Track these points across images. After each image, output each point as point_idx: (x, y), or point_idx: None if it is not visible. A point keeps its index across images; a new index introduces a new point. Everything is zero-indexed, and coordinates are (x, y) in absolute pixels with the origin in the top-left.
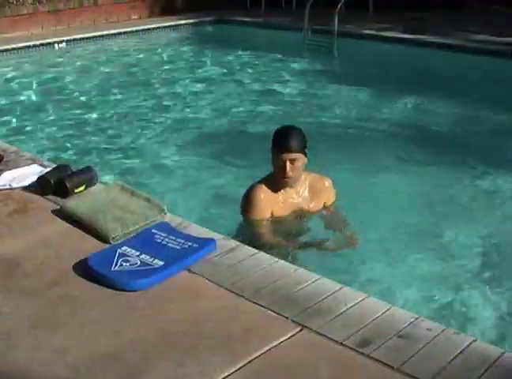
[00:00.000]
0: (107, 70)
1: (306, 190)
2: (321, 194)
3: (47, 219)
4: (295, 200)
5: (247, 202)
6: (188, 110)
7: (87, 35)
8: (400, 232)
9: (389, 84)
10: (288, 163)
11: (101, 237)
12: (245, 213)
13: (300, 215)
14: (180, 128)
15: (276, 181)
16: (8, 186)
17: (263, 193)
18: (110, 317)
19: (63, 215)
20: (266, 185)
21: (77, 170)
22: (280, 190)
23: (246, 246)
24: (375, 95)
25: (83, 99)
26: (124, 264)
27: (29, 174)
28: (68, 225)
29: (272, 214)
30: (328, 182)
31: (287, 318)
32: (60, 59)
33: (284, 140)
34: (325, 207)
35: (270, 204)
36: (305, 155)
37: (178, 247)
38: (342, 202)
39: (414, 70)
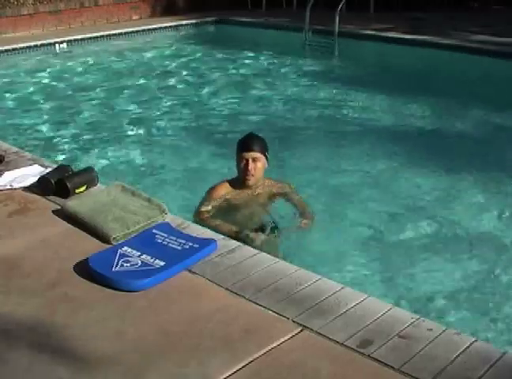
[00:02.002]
0: (107, 71)
1: (266, 192)
2: (279, 196)
3: (48, 220)
4: (254, 199)
5: (207, 195)
6: (188, 109)
7: (88, 35)
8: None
9: (390, 84)
10: (250, 161)
11: (102, 237)
12: (201, 204)
13: (257, 210)
14: (180, 128)
15: (240, 182)
16: (9, 186)
17: (224, 189)
18: (110, 317)
19: (64, 215)
20: (229, 184)
21: (78, 171)
22: (241, 189)
23: (246, 247)
24: (375, 95)
25: (83, 99)
26: (125, 264)
27: (30, 174)
28: (69, 225)
29: (228, 209)
30: (287, 187)
31: (287, 319)
32: (61, 59)
33: (247, 141)
34: (292, 202)
35: (228, 200)
36: (266, 158)
37: (178, 247)
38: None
39: (414, 70)
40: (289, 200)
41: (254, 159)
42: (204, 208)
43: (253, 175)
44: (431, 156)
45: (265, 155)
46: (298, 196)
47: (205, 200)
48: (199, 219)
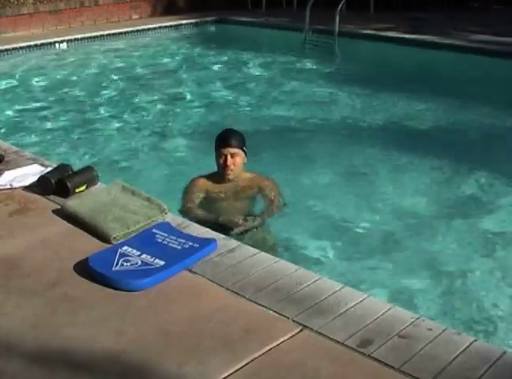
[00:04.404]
0: (107, 70)
1: (245, 186)
2: (257, 191)
3: (48, 219)
4: (233, 192)
5: (186, 188)
6: (188, 109)
7: (88, 34)
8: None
9: (390, 83)
10: (229, 157)
11: (102, 237)
12: (182, 198)
13: (237, 203)
14: (180, 127)
15: (219, 176)
16: (9, 186)
17: (201, 184)
18: (110, 317)
19: (64, 215)
20: (207, 179)
21: (78, 170)
22: (220, 183)
23: (246, 246)
24: (376, 95)
25: (83, 98)
26: (125, 263)
27: (30, 173)
28: (69, 225)
29: (209, 203)
30: (267, 182)
31: (288, 318)
32: (61, 59)
33: (225, 137)
34: (263, 195)
35: (206, 194)
36: (244, 153)
37: (178, 247)
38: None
39: (414, 70)
40: (263, 193)
41: (233, 155)
42: (189, 202)
43: (232, 170)
44: (431, 156)
45: (243, 150)
46: (274, 188)
47: (188, 193)
48: (187, 213)
